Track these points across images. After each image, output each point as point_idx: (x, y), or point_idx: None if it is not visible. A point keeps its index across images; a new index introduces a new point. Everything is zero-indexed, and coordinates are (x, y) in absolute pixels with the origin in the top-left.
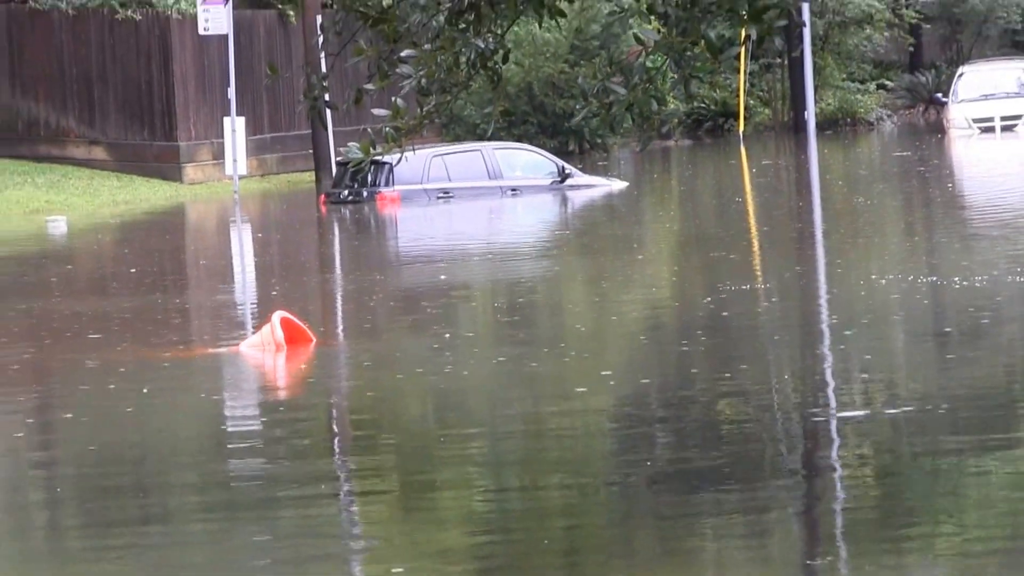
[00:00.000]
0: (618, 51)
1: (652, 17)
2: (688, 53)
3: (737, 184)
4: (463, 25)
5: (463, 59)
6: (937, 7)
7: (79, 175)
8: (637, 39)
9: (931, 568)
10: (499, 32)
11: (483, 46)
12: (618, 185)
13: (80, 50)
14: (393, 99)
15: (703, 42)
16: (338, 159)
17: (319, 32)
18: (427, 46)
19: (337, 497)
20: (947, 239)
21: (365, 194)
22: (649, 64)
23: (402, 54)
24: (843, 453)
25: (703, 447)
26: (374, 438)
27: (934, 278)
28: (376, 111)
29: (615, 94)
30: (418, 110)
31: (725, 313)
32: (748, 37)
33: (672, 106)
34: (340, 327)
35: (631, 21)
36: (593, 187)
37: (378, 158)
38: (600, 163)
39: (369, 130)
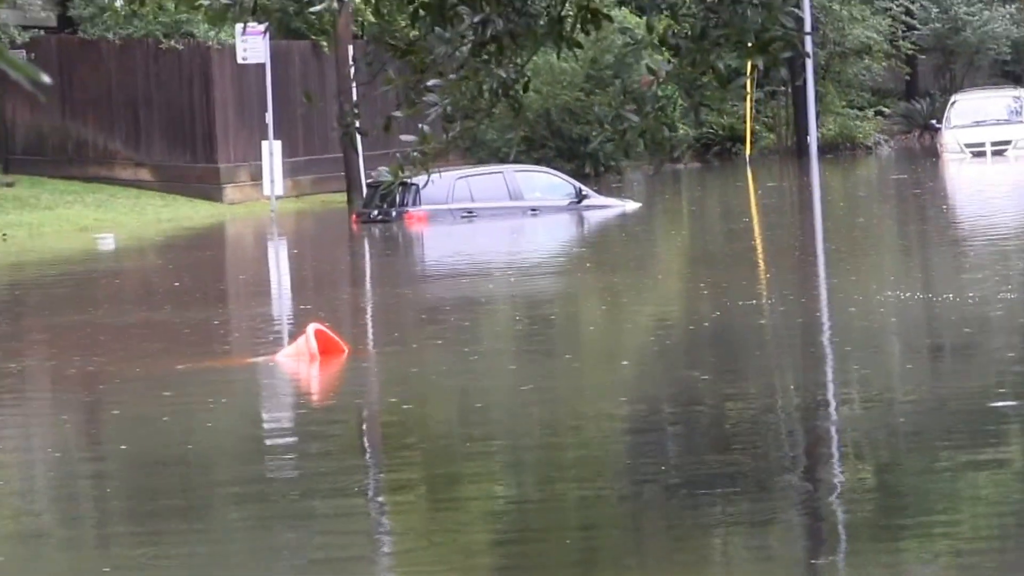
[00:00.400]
0: (631, 80)
1: (664, 48)
2: (698, 83)
3: (744, 205)
4: (486, 56)
5: (486, 88)
6: (932, 39)
7: (126, 195)
8: (649, 70)
9: (927, 566)
10: (520, 63)
11: (505, 76)
12: (631, 206)
13: (126, 77)
14: (420, 126)
15: (712, 72)
16: (368, 181)
17: (351, 63)
18: (452, 76)
19: (369, 499)
20: (941, 257)
21: (394, 213)
22: (661, 93)
23: (428, 83)
24: (843, 455)
25: (712, 452)
26: (403, 444)
27: (929, 295)
28: (404, 137)
29: (629, 121)
30: (444, 135)
31: (732, 326)
32: (755, 67)
33: (682, 131)
34: (371, 338)
35: (644, 52)
36: (608, 207)
37: (406, 180)
38: (614, 185)
39: (398, 155)
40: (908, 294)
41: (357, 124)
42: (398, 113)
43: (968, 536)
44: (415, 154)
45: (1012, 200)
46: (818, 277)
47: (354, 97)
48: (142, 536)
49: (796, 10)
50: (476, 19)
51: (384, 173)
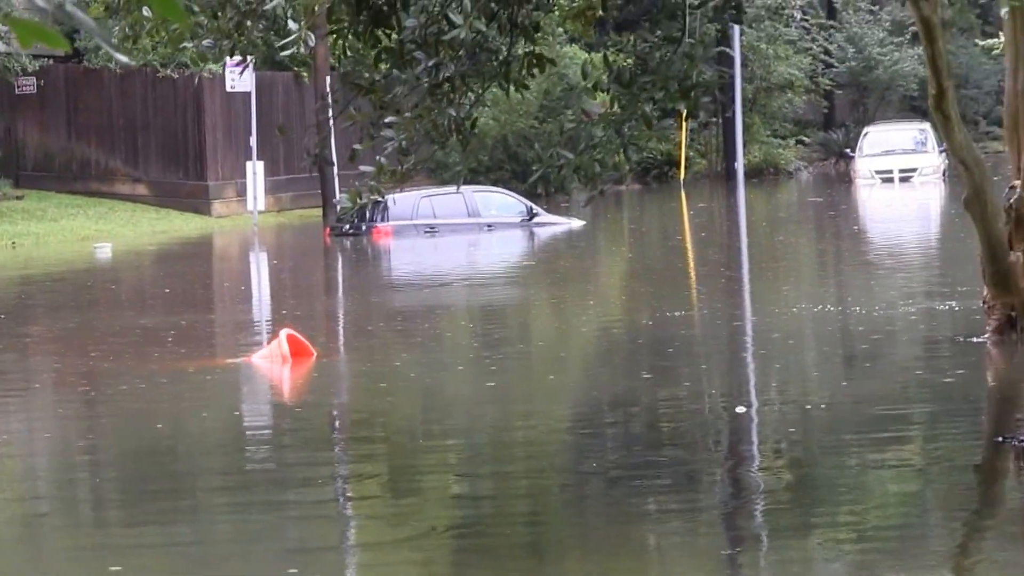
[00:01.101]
0: (567, 119)
1: (597, 92)
2: (627, 124)
3: (677, 224)
4: (440, 96)
5: (440, 124)
6: (848, 76)
7: (123, 208)
8: (584, 112)
9: (835, 552)
10: (469, 103)
11: (455, 115)
12: (577, 223)
13: (126, 103)
14: (378, 158)
15: (640, 115)
16: (335, 200)
17: (320, 99)
18: (408, 114)
19: (334, 489)
20: (852, 272)
21: (363, 228)
22: (602, 132)
23: (387, 120)
24: (763, 450)
25: (646, 449)
26: (366, 439)
27: (841, 307)
28: (363, 167)
29: (564, 158)
30: (399, 167)
31: (665, 334)
32: (678, 111)
33: (621, 160)
34: (338, 342)
35: (580, 94)
36: (556, 225)
37: (375, 199)
38: (563, 204)
39: (357, 183)
40: (821, 307)
41: (326, 153)
42: (359, 146)
43: (873, 528)
44: (372, 183)
45: (915, 222)
46: (742, 290)
47: (330, 126)
48: (133, 518)
49: (724, 55)
50: (431, 63)
51: (344, 200)
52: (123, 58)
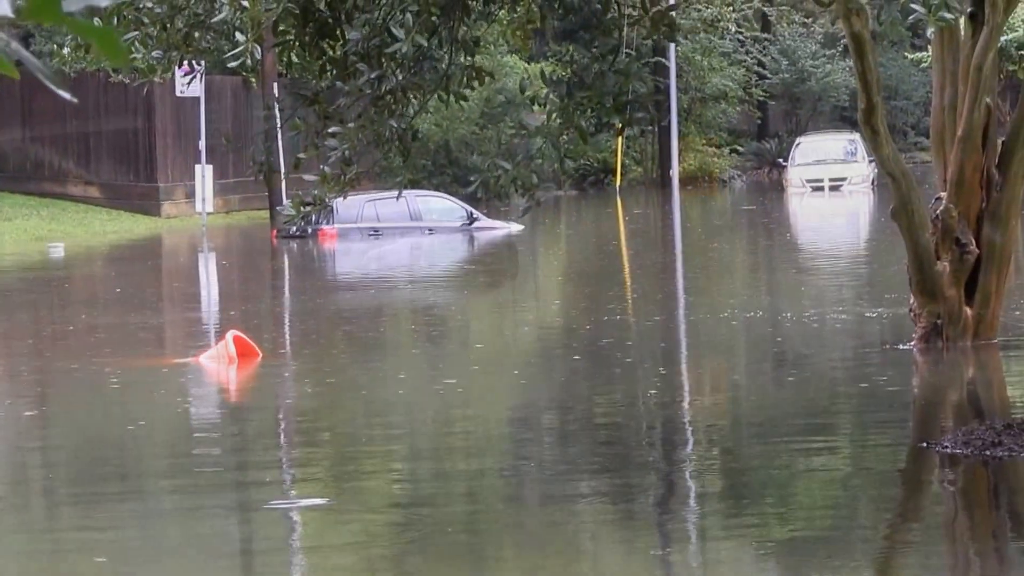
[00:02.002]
0: (506, 128)
1: (534, 105)
2: (564, 137)
3: (612, 229)
4: (382, 106)
5: (383, 134)
6: (780, 87)
7: (76, 209)
8: (521, 124)
9: (765, 553)
10: (410, 114)
11: (396, 126)
12: (516, 228)
13: (79, 106)
14: (322, 167)
15: (576, 129)
16: (279, 208)
17: (266, 108)
18: (351, 124)
19: (278, 489)
20: (781, 279)
21: (309, 231)
22: (537, 143)
23: (330, 130)
24: (695, 452)
25: (581, 446)
26: (310, 440)
27: (769, 313)
28: (307, 177)
29: (502, 169)
30: (342, 176)
31: (598, 336)
32: (613, 124)
33: (557, 169)
34: (284, 343)
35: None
36: (495, 229)
37: (318, 207)
38: (503, 209)
39: (300, 192)
40: (751, 313)
41: (272, 161)
42: (303, 155)
43: (798, 533)
44: (315, 192)
45: (844, 230)
46: (674, 295)
47: (276, 134)
48: (84, 505)
49: (660, 65)
50: (373, 75)
51: (288, 208)
52: (66, 94)
